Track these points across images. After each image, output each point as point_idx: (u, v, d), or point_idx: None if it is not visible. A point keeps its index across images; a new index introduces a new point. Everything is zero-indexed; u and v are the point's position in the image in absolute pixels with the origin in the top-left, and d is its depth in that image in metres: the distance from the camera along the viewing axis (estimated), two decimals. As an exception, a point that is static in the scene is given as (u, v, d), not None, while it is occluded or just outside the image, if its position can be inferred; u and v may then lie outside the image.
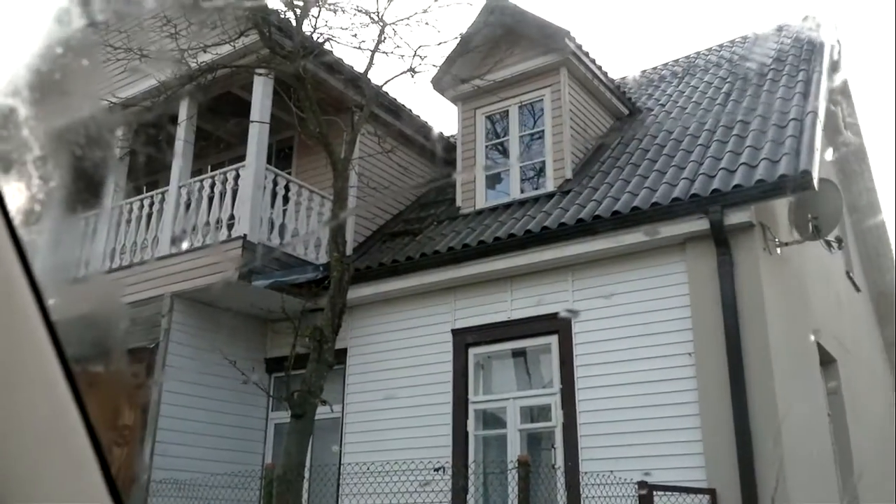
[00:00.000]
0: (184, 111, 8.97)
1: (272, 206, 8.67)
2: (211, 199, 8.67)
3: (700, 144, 7.95)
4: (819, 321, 8.13)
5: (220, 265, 8.07)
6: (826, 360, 8.23)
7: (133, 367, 8.21)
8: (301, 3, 6.97)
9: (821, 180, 6.64)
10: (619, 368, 6.76)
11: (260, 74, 8.39)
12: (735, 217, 6.51)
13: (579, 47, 9.17)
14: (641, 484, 5.48)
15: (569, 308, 7.20)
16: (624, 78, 12.07)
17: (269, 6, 7.19)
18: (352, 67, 9.10)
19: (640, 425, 6.48)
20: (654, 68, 12.28)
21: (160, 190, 9.17)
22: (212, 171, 9.08)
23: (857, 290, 11.04)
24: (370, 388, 8.17)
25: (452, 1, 7.35)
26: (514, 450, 7.08)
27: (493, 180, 9.35)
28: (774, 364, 6.16)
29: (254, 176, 8.40)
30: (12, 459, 0.83)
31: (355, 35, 9.91)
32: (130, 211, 9.26)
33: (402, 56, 7.69)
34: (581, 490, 6.27)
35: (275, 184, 8.75)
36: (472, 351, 7.77)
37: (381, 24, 7.09)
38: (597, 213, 7.24)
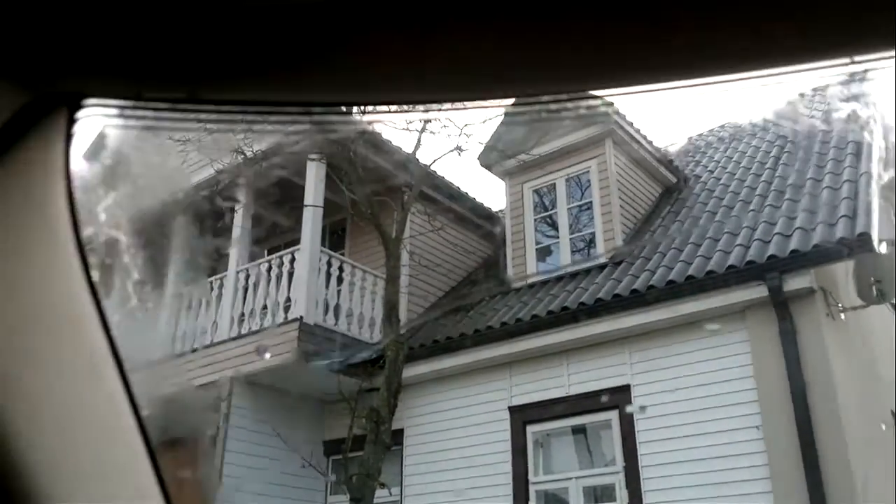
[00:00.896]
0: (241, 197, 9.29)
1: (327, 287, 8.83)
2: (268, 283, 8.87)
3: (752, 210, 7.87)
4: (892, 389, 7.79)
5: (278, 347, 8.19)
6: (902, 430, 7.85)
7: (192, 450, 8.28)
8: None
9: (882, 241, 6.49)
10: (684, 444, 6.56)
11: (312, 160, 8.68)
12: (794, 283, 6.39)
13: (623, 117, 9.26)
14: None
15: (628, 382, 7.07)
16: (671, 146, 12.09)
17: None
18: (400, 149, 9.35)
19: (709, 504, 6.24)
20: (700, 135, 12.29)
21: (219, 276, 9.42)
22: (268, 255, 9.33)
23: (930, 352, 10.58)
24: (428, 469, 8.06)
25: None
26: (579, 531, 6.88)
27: (544, 253, 9.37)
28: (847, 434, 5.91)
29: (309, 258, 8.59)
30: (67, 457, 0.86)
31: (403, 116, 10.21)
32: (191, 296, 9.52)
33: (449, 135, 7.89)
34: (651, 573, 6.03)
35: (329, 265, 8.92)
36: (531, 429, 7.65)
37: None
38: (651, 283, 7.17)
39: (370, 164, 8.77)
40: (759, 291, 6.52)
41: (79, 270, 0.87)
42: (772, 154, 9.57)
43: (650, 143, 9.85)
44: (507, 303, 8.63)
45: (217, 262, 10.27)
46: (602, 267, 8.35)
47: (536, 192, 9.65)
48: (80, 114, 0.82)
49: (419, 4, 0.65)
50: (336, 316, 8.79)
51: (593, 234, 8.89)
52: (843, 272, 7.03)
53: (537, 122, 9.46)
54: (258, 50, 0.72)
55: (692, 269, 7.04)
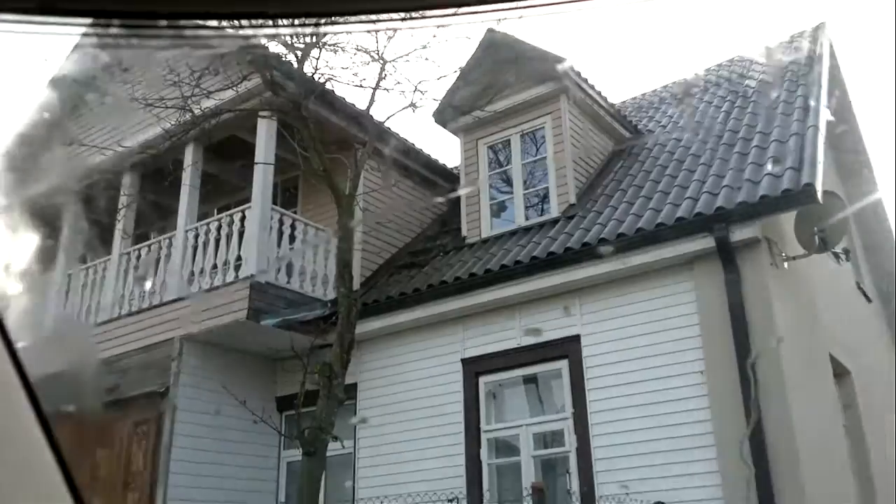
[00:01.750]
0: (189, 157, 9.09)
1: (279, 245, 8.73)
2: (217, 242, 8.73)
3: (702, 163, 7.96)
4: (831, 333, 8.03)
5: (228, 306, 8.10)
6: (840, 373, 8.11)
7: (144, 411, 8.21)
8: (301, 46, 7.08)
9: (825, 193, 6.62)
10: (631, 390, 6.70)
11: (263, 117, 8.50)
12: (741, 233, 6.50)
13: (578, 74, 9.24)
14: (659, 507, 5.40)
15: (578, 332, 7.16)
16: (624, 102, 12.13)
17: (271, 50, 7.31)
18: (354, 105, 9.20)
19: (654, 446, 6.39)
20: (654, 91, 12.34)
21: (167, 235, 9.25)
22: (218, 213, 9.17)
23: (869, 300, 10.92)
24: (381, 421, 8.11)
25: (451, 36, 7.45)
26: (529, 477, 7.01)
27: (498, 209, 9.38)
28: (787, 378, 6.08)
29: (259, 216, 8.47)
30: None
31: (356, 74, 10.03)
32: (138, 257, 9.34)
33: (403, 92, 7.77)
34: (599, 516, 6.18)
35: (280, 223, 8.81)
36: (483, 379, 7.73)
37: (382, 61, 7.18)
38: (602, 235, 7.24)
39: (323, 121, 8.64)
40: (706, 242, 6.62)
41: None
42: (723, 109, 9.66)
43: (604, 98, 9.86)
44: (462, 258, 8.64)
45: (166, 222, 10.08)
46: (555, 221, 8.39)
47: (491, 147, 9.62)
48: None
49: None
50: (288, 274, 8.71)
51: (547, 189, 8.91)
52: (788, 223, 7.17)
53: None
54: None
55: (642, 222, 7.12)
